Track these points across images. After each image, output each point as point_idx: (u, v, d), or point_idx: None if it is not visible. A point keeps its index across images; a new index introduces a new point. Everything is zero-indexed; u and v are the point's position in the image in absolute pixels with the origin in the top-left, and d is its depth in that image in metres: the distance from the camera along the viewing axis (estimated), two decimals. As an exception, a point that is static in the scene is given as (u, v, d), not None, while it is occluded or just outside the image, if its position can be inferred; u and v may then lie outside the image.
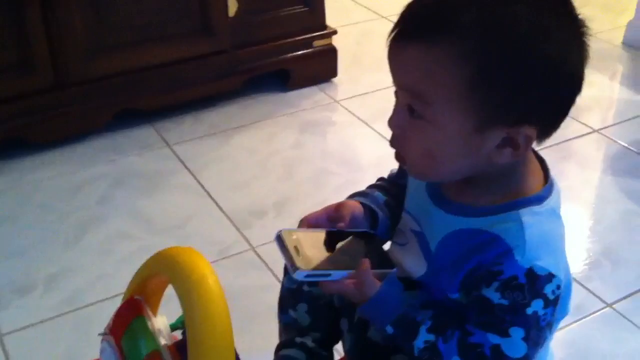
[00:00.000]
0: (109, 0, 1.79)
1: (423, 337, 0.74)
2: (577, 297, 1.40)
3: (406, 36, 0.70)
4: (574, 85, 0.72)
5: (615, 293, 1.41)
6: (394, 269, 0.80)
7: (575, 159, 1.85)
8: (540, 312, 0.72)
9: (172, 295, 0.79)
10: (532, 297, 0.71)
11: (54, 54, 1.78)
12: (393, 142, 0.76)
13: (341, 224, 0.81)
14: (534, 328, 0.72)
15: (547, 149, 1.99)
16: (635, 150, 1.88)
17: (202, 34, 1.96)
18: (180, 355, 0.78)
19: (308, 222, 0.83)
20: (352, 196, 0.90)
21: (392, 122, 0.75)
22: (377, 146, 1.83)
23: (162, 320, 0.89)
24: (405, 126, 0.73)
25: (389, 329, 0.76)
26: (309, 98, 2.12)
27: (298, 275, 0.75)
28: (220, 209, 1.65)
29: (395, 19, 0.74)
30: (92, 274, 1.46)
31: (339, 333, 0.95)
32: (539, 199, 0.75)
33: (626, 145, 1.90)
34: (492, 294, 0.72)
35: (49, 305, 1.39)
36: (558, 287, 0.72)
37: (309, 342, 0.93)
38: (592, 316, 1.36)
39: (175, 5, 1.89)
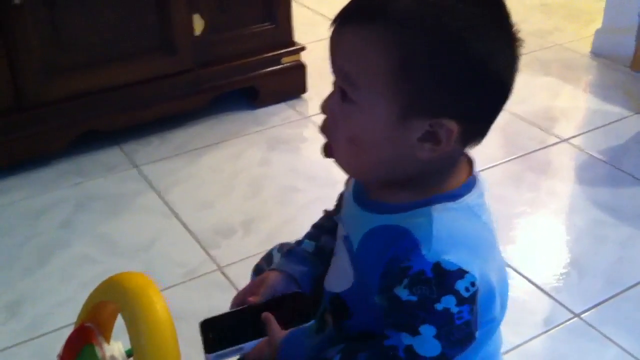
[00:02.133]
0: (69, 20, 1.77)
1: None
2: (544, 308, 1.40)
3: (344, 21, 0.72)
4: (500, 91, 0.72)
5: (583, 303, 1.41)
6: (311, 322, 0.83)
7: (544, 169, 1.85)
8: (454, 310, 0.69)
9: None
10: (441, 292, 0.69)
11: (13, 75, 1.75)
12: (323, 128, 0.76)
13: (251, 299, 0.87)
14: (447, 325, 0.70)
15: (515, 160, 2.00)
16: (603, 159, 1.88)
17: (166, 53, 1.94)
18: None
19: (235, 302, 0.90)
20: (284, 253, 0.94)
21: (324, 105, 0.75)
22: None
23: (117, 347, 0.86)
24: (336, 110, 0.73)
25: None
26: (278, 115, 2.11)
27: (209, 359, 0.82)
28: (187, 229, 1.63)
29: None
30: (54, 300, 1.44)
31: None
32: (454, 196, 0.74)
33: (594, 154, 1.91)
34: (402, 291, 0.70)
35: (10, 332, 1.36)
36: (472, 284, 0.70)
37: None
38: (560, 327, 1.36)
39: (138, 25, 1.87)
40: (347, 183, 0.87)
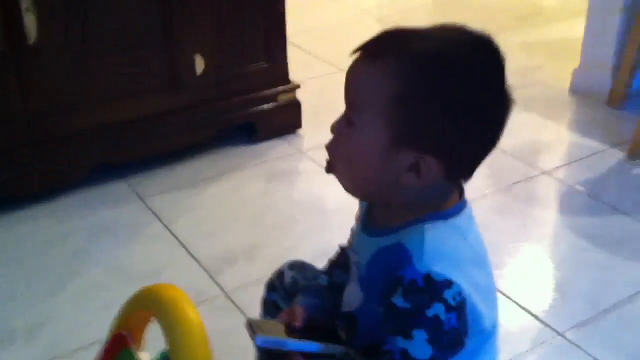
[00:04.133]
0: (83, 60, 1.88)
1: None
2: (530, 327, 1.50)
3: (357, 58, 0.83)
4: (486, 142, 0.83)
5: (566, 323, 1.51)
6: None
7: (527, 199, 1.97)
8: (443, 317, 0.78)
9: (153, 335, 0.87)
10: (431, 300, 0.78)
11: (29, 112, 1.85)
12: (328, 146, 0.87)
13: (295, 324, 0.96)
14: (437, 331, 0.78)
15: (498, 192, 2.11)
16: (583, 190, 2.00)
17: (171, 91, 2.05)
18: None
19: None
20: (301, 290, 1.04)
21: (332, 127, 0.86)
22: (341, 193, 1.93)
23: (146, 357, 0.95)
24: (341, 132, 0.84)
25: None
26: (276, 149, 2.22)
27: (257, 340, 0.89)
28: (193, 257, 1.72)
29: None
30: (71, 324, 1.52)
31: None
32: (445, 216, 0.84)
33: (575, 186, 2.03)
34: (398, 299, 0.79)
35: (30, 355, 1.44)
36: (459, 294, 0.79)
37: None
38: (544, 345, 1.46)
39: (144, 64, 1.98)
40: (357, 219, 0.97)
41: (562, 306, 1.57)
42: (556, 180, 2.06)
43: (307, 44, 2.99)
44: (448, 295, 0.79)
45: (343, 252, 1.04)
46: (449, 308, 0.79)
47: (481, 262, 0.87)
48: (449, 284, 0.79)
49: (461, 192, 0.89)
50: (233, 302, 1.58)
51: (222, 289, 1.62)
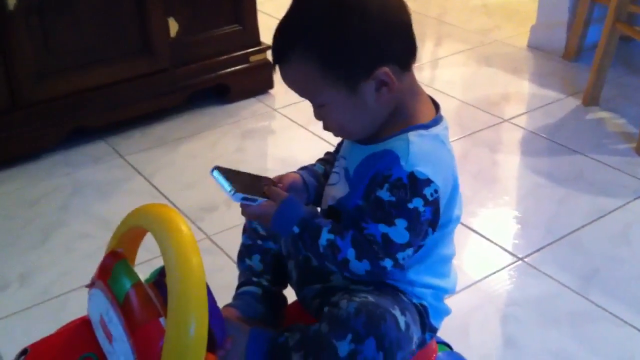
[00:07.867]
0: (58, 26, 1.94)
1: (325, 237, 0.95)
2: (494, 254, 1.62)
3: (275, 62, 0.98)
4: (400, 29, 0.95)
5: (526, 249, 1.63)
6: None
7: (488, 144, 2.08)
8: (420, 209, 0.92)
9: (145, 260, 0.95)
10: (412, 195, 0.91)
11: (8, 78, 1.91)
12: (324, 128, 1.01)
13: (281, 185, 1.06)
14: (415, 221, 0.92)
15: (462, 138, 2.22)
16: (541, 134, 2.12)
17: (145, 55, 2.12)
18: (158, 290, 0.93)
19: None
20: (300, 168, 1.14)
21: (315, 117, 1.00)
22: (313, 145, 2.03)
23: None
24: (321, 115, 0.99)
25: (295, 229, 0.96)
26: (249, 108, 2.31)
27: (235, 197, 0.96)
28: (175, 206, 1.81)
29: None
30: (59, 270, 1.60)
31: (286, 278, 1.14)
32: (425, 127, 0.97)
33: (533, 130, 2.14)
34: (384, 194, 0.93)
35: (24, 298, 1.52)
36: (435, 191, 0.92)
37: (263, 281, 1.11)
38: (507, 268, 1.57)
39: (119, 29, 2.05)
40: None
41: (522, 235, 1.69)
42: (517, 127, 2.18)
43: (275, 11, 3.06)
44: (427, 191, 0.92)
45: (332, 154, 1.16)
46: (426, 202, 0.92)
47: (453, 165, 1.00)
48: (428, 182, 0.92)
49: (437, 107, 1.01)
50: (216, 244, 1.67)
51: (204, 233, 1.71)
